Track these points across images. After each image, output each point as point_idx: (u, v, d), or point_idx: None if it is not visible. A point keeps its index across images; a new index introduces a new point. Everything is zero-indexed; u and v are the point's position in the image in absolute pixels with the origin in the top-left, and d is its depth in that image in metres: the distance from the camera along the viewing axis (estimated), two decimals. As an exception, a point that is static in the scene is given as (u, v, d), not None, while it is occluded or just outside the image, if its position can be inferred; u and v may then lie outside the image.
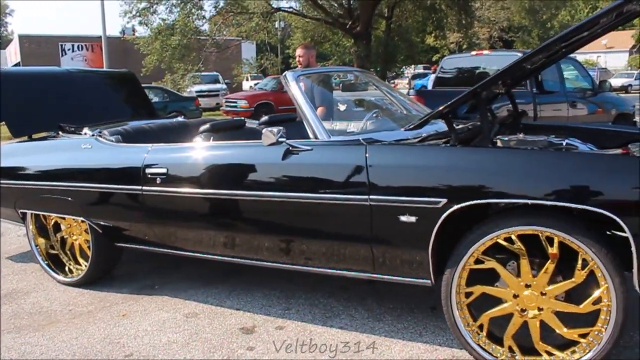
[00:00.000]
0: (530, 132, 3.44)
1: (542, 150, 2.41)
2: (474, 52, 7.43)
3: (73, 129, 3.83)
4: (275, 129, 2.63)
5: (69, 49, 23.23)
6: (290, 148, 2.66)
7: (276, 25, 22.45)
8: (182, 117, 4.87)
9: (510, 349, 2.38)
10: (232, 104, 13.75)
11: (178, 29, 13.63)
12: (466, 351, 2.49)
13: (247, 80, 23.87)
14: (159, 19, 14.22)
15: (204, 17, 14.56)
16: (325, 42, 18.55)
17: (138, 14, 14.04)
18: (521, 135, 3.04)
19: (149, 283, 3.75)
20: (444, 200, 2.29)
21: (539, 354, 2.34)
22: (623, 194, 2.06)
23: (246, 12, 15.07)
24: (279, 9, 16.11)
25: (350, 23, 15.28)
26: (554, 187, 2.15)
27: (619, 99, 7.89)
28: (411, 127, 2.63)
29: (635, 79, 26.30)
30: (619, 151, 2.78)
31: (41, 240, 3.86)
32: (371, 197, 2.44)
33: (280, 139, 2.62)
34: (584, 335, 2.26)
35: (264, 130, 2.62)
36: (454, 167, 2.33)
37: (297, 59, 5.10)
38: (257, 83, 19.27)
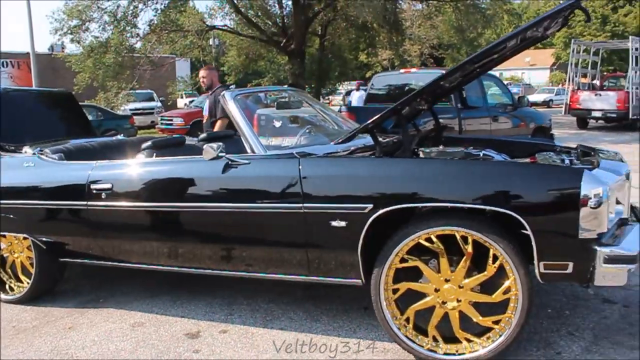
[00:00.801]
0: (452, 144, 3.81)
1: (455, 160, 2.74)
2: (402, 70, 7.91)
3: (13, 147, 3.87)
4: (215, 145, 2.84)
5: (-2, 66, 22.37)
6: (230, 162, 2.88)
7: (210, 43, 22.53)
8: (120, 135, 4.97)
9: (435, 339, 2.68)
10: (167, 122, 13.75)
11: (112, 47, 13.50)
12: (396, 343, 2.77)
13: (181, 97, 23.75)
14: (91, 37, 14.06)
15: (138, 35, 14.50)
16: (260, 60, 18.85)
17: (69, 32, 13.82)
18: (441, 147, 3.40)
19: (94, 297, 3.83)
20: (370, 206, 2.57)
21: (460, 341, 2.65)
22: (524, 196, 2.41)
23: (180, 29, 15.14)
24: (213, 27, 16.27)
25: (284, 41, 15.65)
26: (465, 192, 2.48)
27: (537, 113, 8.59)
28: (340, 141, 2.92)
29: (555, 95, 28.12)
30: (527, 160, 3.17)
31: None
32: (305, 205, 2.70)
33: (220, 154, 2.84)
34: (497, 322, 2.58)
35: (204, 146, 2.83)
36: (377, 176, 2.63)
37: (200, 80, 5.71)
38: (192, 100, 19.22)
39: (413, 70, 7.91)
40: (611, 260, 2.32)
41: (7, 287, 3.82)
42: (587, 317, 3.15)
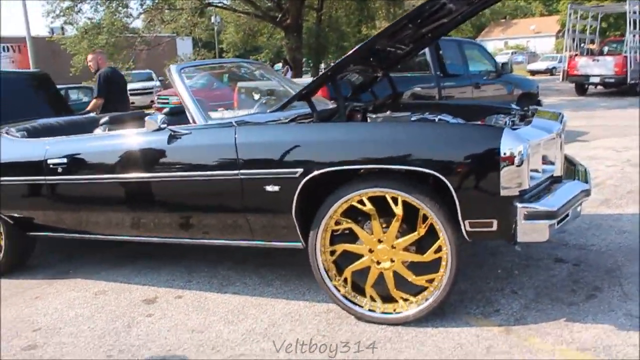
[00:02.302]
0: (411, 110, 3.86)
1: (380, 123, 2.77)
2: None
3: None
4: (157, 116, 2.91)
5: (-8, 51, 22.57)
6: (173, 133, 2.95)
7: (212, 20, 22.44)
8: (93, 113, 5.06)
9: (372, 298, 2.77)
10: (164, 100, 13.81)
11: (105, 28, 13.54)
12: (335, 303, 2.86)
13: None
14: (84, 18, 14.09)
15: (130, 15, 14.50)
16: (259, 36, 18.79)
17: (62, 14, 13.85)
18: (388, 113, 3.44)
19: (63, 269, 3.96)
20: (300, 170, 2.64)
21: (396, 301, 2.73)
22: (446, 156, 2.46)
23: (174, 8, 15.10)
24: (208, 4, 16.21)
25: (280, 16, 15.57)
26: (389, 153, 2.53)
27: (523, 80, 8.51)
28: (275, 109, 2.96)
29: (558, 62, 27.69)
30: (478, 122, 3.19)
31: None
32: (241, 171, 2.78)
33: (162, 125, 2.91)
34: (431, 281, 2.66)
35: (146, 118, 2.91)
36: (306, 141, 2.69)
37: (88, 65, 6.26)
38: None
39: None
40: (530, 216, 2.37)
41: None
42: (535, 276, 3.21)
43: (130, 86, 17.92)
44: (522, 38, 48.45)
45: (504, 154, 2.35)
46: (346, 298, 2.79)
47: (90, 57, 6.21)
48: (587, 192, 2.73)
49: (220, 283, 3.44)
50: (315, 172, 2.62)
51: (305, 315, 2.92)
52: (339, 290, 2.80)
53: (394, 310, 2.73)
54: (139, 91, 17.34)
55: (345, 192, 2.63)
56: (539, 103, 8.13)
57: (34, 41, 16.87)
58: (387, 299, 2.76)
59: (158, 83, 18.73)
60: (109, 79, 5.92)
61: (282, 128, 2.84)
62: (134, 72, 17.29)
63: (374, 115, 3.29)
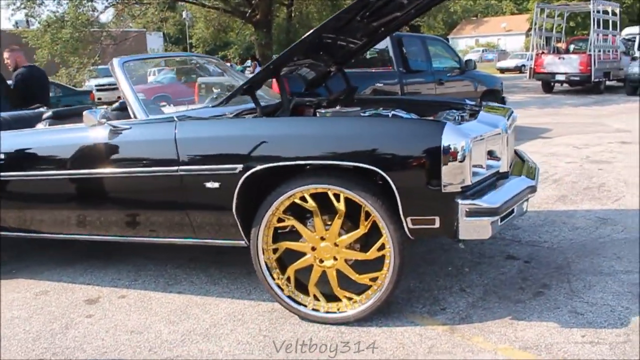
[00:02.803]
0: (364, 105, 3.80)
1: (321, 118, 2.69)
2: None
3: None
4: (98, 111, 2.80)
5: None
6: (112, 128, 2.84)
7: (183, 16, 22.12)
8: (44, 108, 4.89)
9: (316, 297, 2.70)
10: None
11: (69, 22, 13.20)
12: (278, 303, 2.79)
13: (153, 75, 23.38)
14: (47, 11, 13.72)
15: (95, 8, 14.17)
16: (230, 31, 18.57)
17: (23, 6, 13.47)
18: (337, 107, 3.38)
19: (7, 268, 3.80)
20: (240, 166, 2.56)
21: (340, 300, 2.67)
22: (387, 152, 2.40)
23: (142, 3, 14.82)
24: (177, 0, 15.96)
25: (249, 12, 15.40)
26: (329, 149, 2.47)
27: (487, 77, 8.55)
28: (217, 104, 2.87)
29: (528, 60, 28.06)
30: (423, 118, 3.14)
31: None
32: (180, 167, 2.68)
33: (101, 120, 2.79)
34: (374, 279, 2.61)
35: (84, 113, 2.79)
36: (246, 136, 2.61)
37: (5, 63, 5.67)
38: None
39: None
40: (472, 213, 2.33)
41: None
42: (485, 274, 3.19)
43: (96, 82, 17.62)
44: (493, 36, 48.94)
45: (445, 149, 2.30)
46: (289, 297, 2.72)
47: (6, 54, 5.56)
48: (532, 189, 2.71)
49: (167, 282, 3.34)
50: (255, 169, 2.54)
51: (249, 314, 2.84)
52: (282, 290, 2.73)
53: (338, 309, 2.67)
54: (105, 87, 16.95)
55: (286, 189, 2.56)
56: (503, 100, 8.19)
57: (-2, 34, 16.43)
58: (332, 297, 2.70)
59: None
60: (27, 79, 5.44)
61: (222, 123, 2.75)
62: (100, 67, 16.89)
63: (323, 110, 3.23)
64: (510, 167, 2.87)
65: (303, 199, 2.58)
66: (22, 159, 3.16)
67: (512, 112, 3.11)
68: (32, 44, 14.26)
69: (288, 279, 2.73)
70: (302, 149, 2.50)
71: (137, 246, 3.76)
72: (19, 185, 3.21)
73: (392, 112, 3.49)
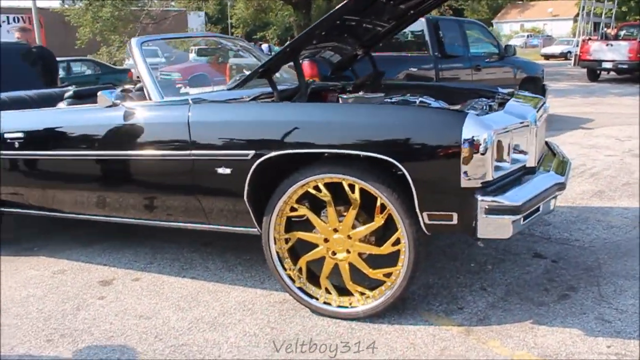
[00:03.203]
0: (391, 91, 3.67)
1: (337, 105, 2.57)
2: None
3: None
4: (112, 92, 2.75)
5: (3, 21, 22.39)
6: (127, 109, 2.79)
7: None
8: (73, 87, 4.91)
9: (327, 290, 2.61)
10: (166, 76, 13.66)
11: (109, 0, 13.32)
12: (289, 294, 2.71)
13: (193, 52, 23.51)
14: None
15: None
16: (269, 12, 18.44)
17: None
18: (361, 93, 3.25)
19: (30, 245, 3.86)
20: (252, 152, 2.47)
21: (352, 294, 2.57)
22: (403, 142, 2.27)
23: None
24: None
25: (289, -8, 15.22)
26: (344, 137, 2.35)
27: (527, 63, 8.18)
28: (232, 86, 2.78)
29: (574, 46, 27.01)
30: (458, 106, 2.99)
31: None
32: (192, 152, 2.62)
33: (116, 101, 2.74)
34: (388, 275, 2.49)
35: (99, 94, 2.75)
36: (258, 122, 2.52)
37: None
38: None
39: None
40: (492, 210, 2.18)
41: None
42: (509, 272, 3.04)
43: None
44: (539, 21, 47.17)
45: (466, 141, 2.16)
46: (300, 289, 2.64)
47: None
48: (561, 186, 2.53)
49: (182, 266, 3.31)
50: (267, 156, 2.45)
51: (259, 304, 2.78)
52: (293, 281, 2.65)
53: (350, 304, 2.57)
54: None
55: (299, 177, 2.46)
56: (543, 88, 7.87)
57: (44, 12, 16.74)
58: (344, 291, 2.60)
59: (164, 59, 18.46)
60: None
61: (234, 107, 2.66)
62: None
63: (345, 96, 3.10)
64: (539, 161, 2.70)
65: (317, 188, 2.48)
66: (39, 138, 3.16)
67: (544, 102, 2.92)
68: (73, 22, 14.49)
69: (300, 270, 2.64)
70: (315, 136, 2.40)
71: (155, 228, 3.71)
72: (37, 164, 3.21)
73: (420, 99, 3.34)
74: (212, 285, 3.04)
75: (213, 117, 2.62)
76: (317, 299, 2.62)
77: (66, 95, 3.44)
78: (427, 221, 2.30)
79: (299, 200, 2.55)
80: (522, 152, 2.50)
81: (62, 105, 3.42)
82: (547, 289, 2.82)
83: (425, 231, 2.35)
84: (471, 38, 7.17)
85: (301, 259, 2.63)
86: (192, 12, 18.84)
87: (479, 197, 2.18)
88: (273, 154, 2.44)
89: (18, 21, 23.44)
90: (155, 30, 15.80)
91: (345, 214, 2.50)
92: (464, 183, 2.19)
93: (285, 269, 2.65)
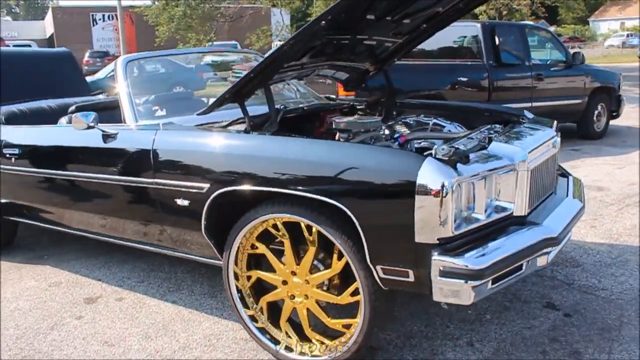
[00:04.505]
0: (408, 109, 3.41)
1: (291, 139, 2.33)
2: None
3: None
4: (87, 114, 2.70)
5: (99, 19, 23.91)
6: (103, 133, 2.74)
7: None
8: (103, 95, 5.00)
9: (287, 334, 2.42)
10: (238, 75, 13.85)
11: (182, 0, 13.70)
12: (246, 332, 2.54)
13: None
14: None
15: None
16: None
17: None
18: (356, 117, 3.01)
19: (42, 253, 3.96)
20: (207, 186, 2.33)
21: (312, 341, 2.37)
22: (354, 186, 2.02)
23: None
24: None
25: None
26: (293, 176, 2.14)
27: (600, 72, 7.37)
28: (200, 112, 2.63)
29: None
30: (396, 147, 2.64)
31: None
32: (155, 180, 2.51)
33: (91, 124, 2.69)
34: (348, 327, 2.26)
35: (74, 116, 2.71)
36: (212, 153, 2.36)
37: None
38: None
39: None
40: (447, 273, 1.89)
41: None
42: (508, 325, 2.69)
43: (211, 59, 18.14)
44: (640, 19, 43.41)
45: (420, 189, 1.88)
46: (262, 331, 2.47)
47: None
48: (552, 241, 2.16)
49: (168, 288, 3.24)
50: (221, 190, 2.29)
51: (224, 340, 2.64)
52: (255, 322, 2.48)
53: (311, 352, 2.36)
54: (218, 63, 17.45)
55: (255, 215, 2.29)
56: (619, 99, 7.12)
57: (133, 11, 17.59)
58: (304, 337, 2.40)
59: (242, 56, 18.72)
60: None
61: (195, 135, 2.51)
62: (216, 43, 17.46)
63: (337, 120, 2.87)
64: (537, 204, 2.35)
65: (276, 226, 2.30)
66: (31, 154, 3.20)
67: (554, 136, 2.54)
68: (151, 21, 15.08)
69: (262, 309, 2.48)
70: (264, 172, 2.21)
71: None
72: (29, 180, 3.26)
73: (433, 121, 3.08)
74: (188, 313, 2.94)
75: (175, 145, 2.50)
76: (278, 343, 2.44)
77: (69, 110, 3.46)
78: (382, 275, 2.04)
79: (260, 237, 2.38)
80: (507, 199, 2.16)
81: (63, 120, 3.45)
82: (545, 352, 2.45)
83: (382, 286, 2.09)
84: (533, 44, 6.60)
85: (262, 299, 2.46)
86: (275, 8, 18.97)
87: (434, 257, 1.90)
88: (225, 189, 2.28)
89: (112, 19, 24.94)
90: (231, 29, 16.14)
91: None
92: (418, 238, 1.91)
93: (248, 308, 2.49)
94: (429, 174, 1.88)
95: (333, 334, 2.33)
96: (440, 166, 1.90)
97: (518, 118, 3.04)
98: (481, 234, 2.04)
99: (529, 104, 6.18)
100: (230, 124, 2.69)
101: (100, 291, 3.26)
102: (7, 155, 3.27)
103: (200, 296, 3.12)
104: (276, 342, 2.44)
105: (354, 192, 2.01)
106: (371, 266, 2.04)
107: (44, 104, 4.09)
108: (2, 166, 3.31)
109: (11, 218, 3.67)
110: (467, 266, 1.86)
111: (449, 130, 3.03)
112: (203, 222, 2.40)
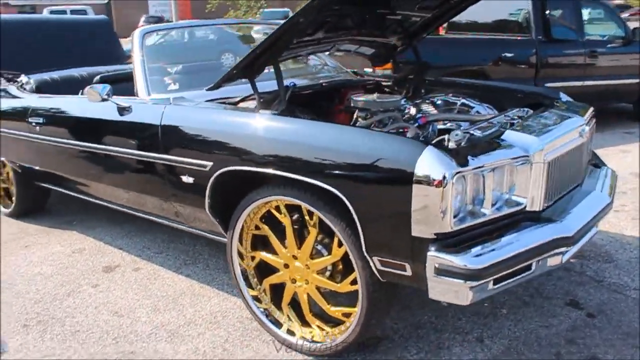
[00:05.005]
0: (437, 87, 3.27)
1: (292, 119, 2.22)
2: None
3: (10, 76, 4.10)
4: (101, 87, 2.69)
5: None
6: (118, 106, 2.73)
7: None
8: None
9: (289, 317, 2.39)
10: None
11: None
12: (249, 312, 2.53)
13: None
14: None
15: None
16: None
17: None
18: (375, 95, 2.89)
19: (71, 219, 4.07)
20: (210, 164, 2.29)
21: (311, 326, 2.33)
22: (352, 172, 1.92)
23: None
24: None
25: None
26: (289, 159, 2.07)
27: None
28: (209, 87, 2.56)
29: None
30: (402, 131, 2.48)
31: None
32: (162, 156, 2.50)
33: (105, 97, 2.69)
34: (348, 315, 2.20)
35: (87, 88, 2.71)
36: (219, 131, 2.31)
37: None
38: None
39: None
40: (442, 271, 1.78)
41: (8, 201, 4.20)
42: (524, 322, 2.55)
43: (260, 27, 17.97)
44: None
45: (418, 180, 1.77)
46: (265, 313, 2.44)
47: None
48: (566, 240, 2.01)
49: (185, 260, 3.27)
50: (223, 169, 2.25)
51: (229, 318, 2.63)
52: (258, 303, 2.46)
53: (312, 337, 2.32)
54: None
55: (256, 196, 2.24)
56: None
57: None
58: (305, 321, 2.36)
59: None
60: None
61: (200, 112, 2.45)
62: (266, 10, 17.29)
63: (355, 98, 2.76)
64: (557, 198, 2.18)
65: (278, 209, 2.24)
66: (53, 124, 3.24)
67: (582, 124, 2.34)
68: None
69: (265, 291, 2.45)
70: (262, 153, 2.14)
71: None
72: (51, 148, 3.30)
73: (462, 101, 2.93)
74: (199, 287, 2.95)
75: (181, 121, 2.46)
76: (281, 325, 2.41)
77: (95, 79, 3.48)
78: (379, 267, 1.95)
79: (264, 219, 2.33)
80: (519, 196, 2.01)
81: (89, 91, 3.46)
82: (559, 354, 2.31)
83: (380, 277, 2.00)
84: (589, 19, 6.16)
85: (265, 281, 2.42)
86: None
87: (429, 252, 1.79)
88: (227, 168, 2.23)
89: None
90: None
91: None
92: (415, 231, 1.81)
93: (252, 288, 2.46)
94: (427, 164, 1.76)
95: (334, 321, 2.27)
96: (441, 156, 1.78)
97: (552, 101, 2.84)
98: (488, 229, 1.91)
99: (580, 83, 5.81)
100: (242, 100, 2.62)
101: (119, 260, 3.32)
102: (33, 124, 3.33)
103: (215, 271, 3.12)
104: (278, 324, 2.41)
105: (351, 178, 1.92)
106: (367, 257, 1.95)
107: (75, 72, 4.14)
108: (29, 134, 3.38)
109: (42, 184, 3.77)
110: (465, 265, 1.75)
111: (477, 112, 2.88)
112: (207, 200, 2.37)
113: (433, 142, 1.99)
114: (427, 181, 1.75)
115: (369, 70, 4.15)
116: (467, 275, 1.75)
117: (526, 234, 1.93)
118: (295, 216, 2.24)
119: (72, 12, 20.74)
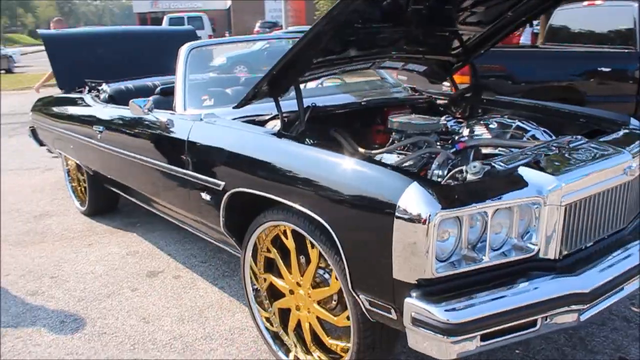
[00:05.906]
0: (495, 106, 3.10)
1: (297, 144, 2.12)
2: (585, 3, 6.14)
3: (94, 84, 4.41)
4: (142, 101, 2.81)
5: (271, -1, 25.10)
6: (158, 119, 2.83)
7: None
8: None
9: (295, 344, 2.34)
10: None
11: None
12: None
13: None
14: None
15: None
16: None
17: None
18: (413, 116, 2.76)
19: (135, 221, 4.30)
20: (223, 183, 2.30)
21: (313, 355, 2.26)
22: (340, 205, 1.82)
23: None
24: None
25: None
26: (288, 185, 2.01)
27: None
28: (236, 105, 2.53)
29: None
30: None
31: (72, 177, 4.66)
32: (186, 172, 2.56)
33: (146, 111, 2.80)
34: (346, 351, 2.10)
35: (130, 103, 2.83)
36: (230, 151, 2.32)
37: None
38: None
39: (598, 2, 6.01)
40: (419, 322, 1.63)
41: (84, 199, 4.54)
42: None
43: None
44: None
45: (400, 217, 1.63)
46: (274, 337, 2.41)
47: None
48: (580, 298, 1.75)
49: (224, 272, 3.32)
50: (234, 190, 2.26)
51: (245, 336, 2.63)
52: (269, 325, 2.43)
53: (316, 367, 2.25)
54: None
55: (264, 219, 2.22)
56: None
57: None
58: (308, 350, 2.29)
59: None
60: None
61: (220, 131, 2.46)
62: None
63: (392, 119, 2.64)
64: (588, 244, 1.93)
65: (286, 233, 2.20)
66: (109, 133, 3.43)
67: (628, 160, 2.03)
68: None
69: (275, 313, 2.41)
70: (265, 177, 2.11)
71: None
72: (109, 156, 3.50)
73: (517, 123, 2.74)
74: (229, 301, 2.98)
75: (202, 138, 2.50)
76: (289, 351, 2.36)
77: (157, 90, 3.64)
78: (367, 306, 1.84)
79: (274, 242, 2.30)
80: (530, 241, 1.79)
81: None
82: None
83: (369, 317, 1.88)
84: None
85: (275, 304, 2.39)
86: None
87: (407, 299, 1.65)
88: (237, 189, 2.24)
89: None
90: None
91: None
92: (397, 273, 1.68)
93: (264, 309, 2.44)
94: (410, 201, 1.62)
95: (333, 353, 2.19)
96: (426, 194, 1.63)
97: (618, 127, 2.53)
98: (479, 277, 1.72)
99: (690, 103, 5.13)
100: (272, 119, 2.60)
101: (164, 266, 3.46)
102: (96, 132, 3.56)
103: (246, 285, 3.14)
104: (285, 348, 2.37)
105: (337, 210, 1.83)
106: (354, 294, 1.85)
107: (149, 81, 4.37)
108: (93, 141, 3.62)
109: (110, 188, 4.03)
110: (444, 318, 1.58)
111: (532, 136, 2.65)
112: (221, 218, 2.39)
113: (433, 177, 1.84)
114: (410, 219, 1.61)
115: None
116: (444, 330, 1.58)
117: (531, 285, 1.72)
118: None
119: (189, 18, 22.05)
